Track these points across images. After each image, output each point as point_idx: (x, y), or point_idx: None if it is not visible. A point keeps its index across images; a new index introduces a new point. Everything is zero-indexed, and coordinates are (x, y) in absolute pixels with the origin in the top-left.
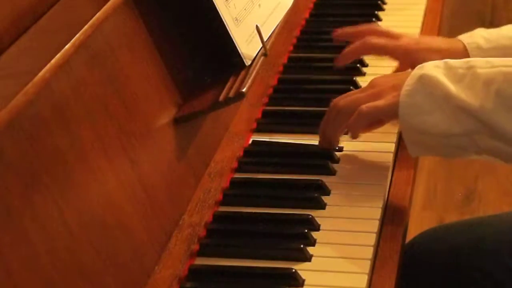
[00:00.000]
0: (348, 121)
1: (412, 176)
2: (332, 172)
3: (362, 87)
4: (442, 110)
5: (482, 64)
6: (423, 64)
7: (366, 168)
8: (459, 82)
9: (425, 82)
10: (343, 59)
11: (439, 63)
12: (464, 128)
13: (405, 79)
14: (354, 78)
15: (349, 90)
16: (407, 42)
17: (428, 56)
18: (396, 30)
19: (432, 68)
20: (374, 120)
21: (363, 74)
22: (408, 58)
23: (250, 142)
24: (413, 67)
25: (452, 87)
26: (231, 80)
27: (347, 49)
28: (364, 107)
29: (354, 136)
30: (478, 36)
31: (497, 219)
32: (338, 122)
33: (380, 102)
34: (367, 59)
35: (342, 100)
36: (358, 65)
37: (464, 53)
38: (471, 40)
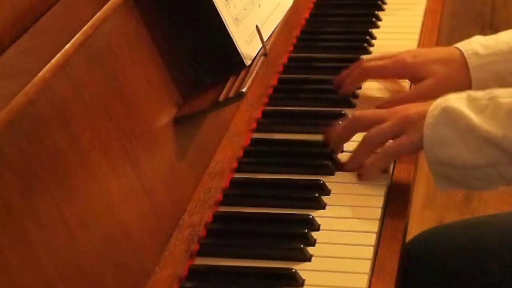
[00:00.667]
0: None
1: (412, 176)
2: (332, 172)
3: (384, 110)
4: (466, 142)
5: (504, 94)
6: (447, 96)
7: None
8: (482, 113)
9: (449, 113)
10: (346, 89)
11: (462, 94)
12: (488, 159)
13: (429, 106)
14: None
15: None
16: (404, 57)
17: (427, 68)
18: (396, 30)
19: (455, 101)
20: (395, 157)
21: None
22: (408, 72)
23: (249, 140)
24: (414, 81)
25: (475, 118)
26: (231, 80)
27: (347, 80)
28: (389, 148)
29: (369, 177)
30: (475, 43)
31: (497, 219)
32: (363, 157)
33: (404, 140)
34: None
35: (371, 132)
36: None
37: (461, 60)
38: (468, 47)
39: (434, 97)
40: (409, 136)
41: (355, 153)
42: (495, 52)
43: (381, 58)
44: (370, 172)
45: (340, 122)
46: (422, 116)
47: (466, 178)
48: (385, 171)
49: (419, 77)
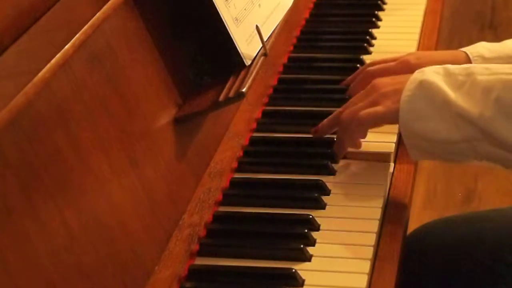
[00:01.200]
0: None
1: (412, 176)
2: (332, 172)
3: (363, 91)
4: (442, 117)
5: (482, 71)
6: (423, 68)
7: (366, 168)
8: (459, 89)
9: (425, 88)
10: (352, 92)
11: (439, 69)
12: (464, 135)
13: (406, 83)
14: None
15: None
16: (408, 59)
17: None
18: (396, 30)
19: (432, 74)
20: (374, 126)
21: None
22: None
23: (249, 140)
24: None
25: (452, 94)
26: (231, 80)
27: (353, 84)
28: (363, 114)
29: (357, 145)
30: (481, 47)
31: (497, 214)
32: (345, 136)
33: (379, 109)
34: (366, 58)
35: (344, 114)
36: (358, 65)
37: (467, 62)
38: (474, 50)
39: None
40: (384, 106)
41: (337, 139)
42: (500, 56)
43: (384, 61)
44: (345, 145)
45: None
46: (398, 90)
47: (440, 151)
48: (385, 171)
49: None
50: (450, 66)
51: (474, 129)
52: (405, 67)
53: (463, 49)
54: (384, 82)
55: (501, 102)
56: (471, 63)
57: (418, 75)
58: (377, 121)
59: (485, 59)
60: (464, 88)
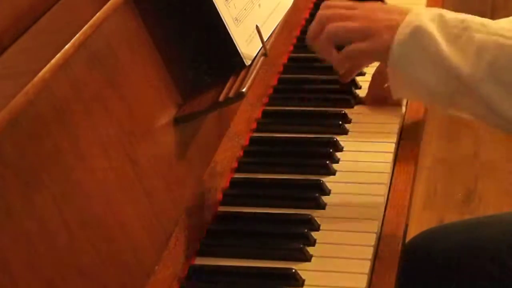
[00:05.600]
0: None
1: (412, 176)
2: (332, 172)
3: (353, 2)
4: (433, 68)
5: (478, 27)
6: (419, 11)
7: (366, 168)
8: (453, 43)
9: (420, 35)
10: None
11: (435, 15)
12: (450, 89)
13: (400, 22)
14: (354, 77)
15: (350, 89)
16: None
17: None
18: None
19: (427, 22)
20: (343, 43)
21: (363, 74)
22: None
23: (249, 140)
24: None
25: (445, 48)
26: (231, 80)
27: (320, 52)
28: (352, 49)
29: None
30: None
31: (496, 220)
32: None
33: (368, 45)
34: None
35: (337, 26)
36: None
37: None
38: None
39: None
40: (374, 43)
41: (321, 45)
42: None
43: (341, 6)
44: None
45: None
46: (391, 29)
47: (422, 96)
48: (385, 171)
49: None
50: (446, 14)
51: (462, 86)
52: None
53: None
54: (380, 15)
55: (494, 66)
56: None
57: (413, 18)
58: (365, 57)
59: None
60: (458, 42)
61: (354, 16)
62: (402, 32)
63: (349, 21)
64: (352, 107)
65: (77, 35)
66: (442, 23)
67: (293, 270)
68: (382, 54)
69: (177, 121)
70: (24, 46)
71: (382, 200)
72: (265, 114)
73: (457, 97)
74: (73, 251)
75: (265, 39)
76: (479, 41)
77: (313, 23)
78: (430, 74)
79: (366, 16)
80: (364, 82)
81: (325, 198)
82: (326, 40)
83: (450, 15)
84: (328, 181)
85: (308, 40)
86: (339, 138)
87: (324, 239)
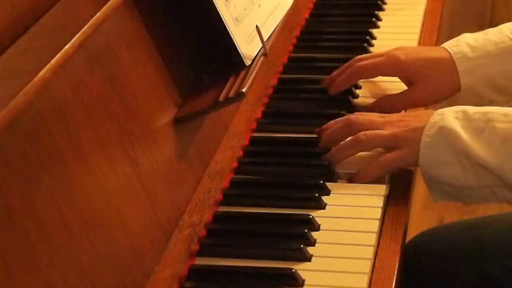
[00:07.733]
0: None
1: (412, 176)
2: (332, 174)
3: (382, 115)
4: (462, 165)
5: (500, 118)
6: (442, 111)
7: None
8: (478, 136)
9: (445, 135)
10: (336, 88)
11: (458, 113)
12: (484, 182)
13: (424, 123)
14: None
15: (350, 91)
16: (395, 54)
17: (419, 71)
18: (396, 30)
19: (452, 120)
20: (388, 171)
21: (359, 87)
22: (401, 70)
23: (249, 140)
24: (404, 81)
25: (471, 142)
26: (231, 80)
27: (339, 79)
28: (384, 160)
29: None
30: (464, 44)
31: (497, 220)
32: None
33: (398, 155)
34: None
35: (368, 134)
36: None
37: (451, 63)
38: (457, 50)
39: (424, 104)
40: (403, 152)
41: (344, 146)
42: (483, 54)
43: (372, 56)
44: (361, 180)
45: (335, 121)
46: (417, 133)
47: (461, 195)
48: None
49: (410, 79)
50: (469, 110)
51: (493, 177)
52: (393, 62)
53: (446, 44)
54: (405, 120)
55: None
56: (454, 63)
57: (437, 118)
58: (397, 166)
59: (468, 59)
60: (483, 136)
61: (382, 126)
62: (427, 134)
63: (379, 129)
64: (353, 107)
65: (77, 35)
66: (466, 119)
67: (293, 270)
68: (413, 160)
69: (177, 121)
70: (24, 46)
71: (382, 200)
72: (265, 114)
73: (495, 189)
74: (73, 251)
75: (265, 39)
76: (502, 131)
77: (338, 125)
78: (460, 170)
79: (393, 123)
80: (363, 82)
81: (325, 198)
82: (351, 146)
83: (474, 109)
84: (328, 182)
85: (327, 137)
86: None
87: (324, 239)
